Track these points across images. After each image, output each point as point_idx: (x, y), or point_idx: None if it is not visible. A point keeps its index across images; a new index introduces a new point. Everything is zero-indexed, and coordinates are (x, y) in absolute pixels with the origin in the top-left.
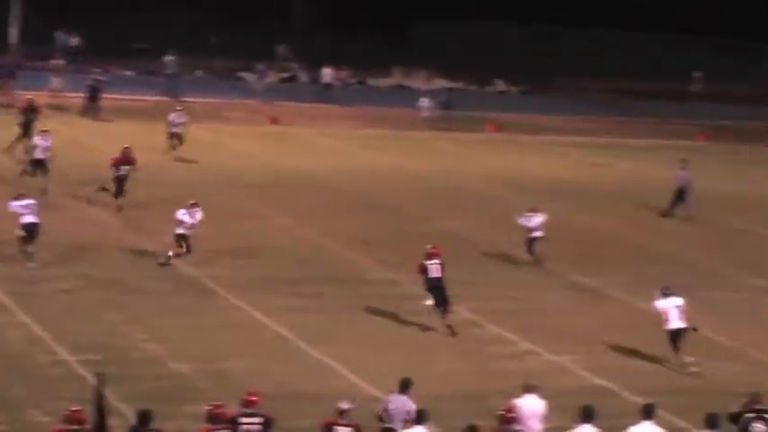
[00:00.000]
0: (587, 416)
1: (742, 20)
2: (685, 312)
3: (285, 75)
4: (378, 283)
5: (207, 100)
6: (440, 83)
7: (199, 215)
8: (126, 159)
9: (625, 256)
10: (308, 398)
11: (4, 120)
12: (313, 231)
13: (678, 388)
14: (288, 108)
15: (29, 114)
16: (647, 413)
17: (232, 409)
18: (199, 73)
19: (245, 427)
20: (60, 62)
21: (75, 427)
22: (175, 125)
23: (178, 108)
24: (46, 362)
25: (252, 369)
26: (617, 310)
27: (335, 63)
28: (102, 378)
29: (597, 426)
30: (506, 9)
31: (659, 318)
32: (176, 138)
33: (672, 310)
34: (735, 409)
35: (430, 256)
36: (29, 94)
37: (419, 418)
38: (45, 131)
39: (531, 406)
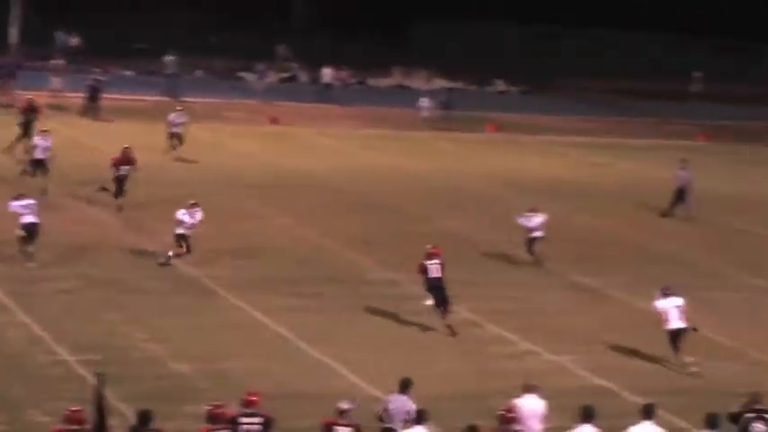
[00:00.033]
0: (587, 416)
1: (742, 20)
2: (685, 312)
3: (285, 75)
4: (378, 283)
5: (207, 100)
6: (440, 83)
7: (199, 215)
8: (126, 159)
9: (625, 256)
10: (308, 398)
11: (4, 120)
12: (313, 231)
13: (678, 388)
14: (288, 108)
15: (29, 114)
16: (647, 413)
17: (232, 409)
18: (199, 73)
19: (245, 427)
20: (60, 62)
21: (75, 427)
22: (175, 125)
23: (178, 108)
24: (46, 362)
25: (252, 369)
26: (617, 310)
27: (335, 63)
28: (102, 378)
29: (597, 426)
30: (506, 9)
31: (659, 318)
32: (176, 138)
33: (672, 310)
34: (735, 409)
35: (430, 256)
36: (29, 94)
37: (419, 418)
38: (45, 131)
39: (531, 406)
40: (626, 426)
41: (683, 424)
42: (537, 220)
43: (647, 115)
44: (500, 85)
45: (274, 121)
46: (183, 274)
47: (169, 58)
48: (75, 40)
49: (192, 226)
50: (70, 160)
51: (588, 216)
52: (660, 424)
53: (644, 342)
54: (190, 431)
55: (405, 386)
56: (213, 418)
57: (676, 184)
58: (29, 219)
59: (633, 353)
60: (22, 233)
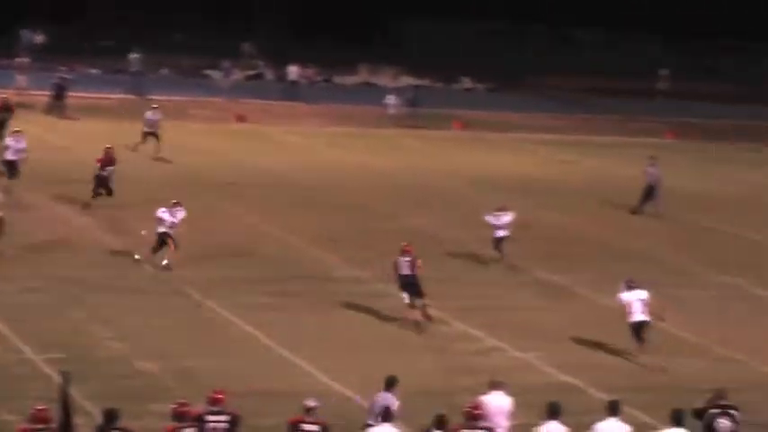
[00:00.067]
0: (554, 412)
1: (719, 18)
2: (649, 306)
3: (251, 72)
4: (344, 281)
5: (173, 98)
6: (406, 80)
7: (180, 214)
8: (110, 159)
9: (592, 254)
10: (275, 396)
11: None
12: (279, 229)
13: (643, 384)
14: (254, 106)
15: (3, 113)
16: (613, 410)
17: (198, 407)
18: (164, 71)
19: (211, 425)
20: (25, 60)
21: (40, 425)
22: (151, 124)
23: (153, 106)
24: (11, 361)
25: (218, 367)
26: (584, 307)
27: (301, 60)
28: (67, 376)
29: (563, 422)
30: (472, 6)
31: (623, 310)
32: (154, 137)
33: (636, 302)
34: (700, 405)
35: (402, 253)
36: (3, 93)
37: (386, 416)
38: (18, 132)
39: (497, 403)
40: (592, 422)
41: (648, 420)
42: (505, 218)
43: (614, 113)
44: (466, 83)
45: (241, 119)
46: (149, 273)
47: (134, 56)
48: (40, 38)
49: (173, 225)
50: (36, 158)
51: (555, 213)
52: (626, 420)
53: (610, 339)
54: (156, 430)
55: (389, 384)
56: (178, 416)
57: (646, 180)
58: None
59: (599, 350)
60: None
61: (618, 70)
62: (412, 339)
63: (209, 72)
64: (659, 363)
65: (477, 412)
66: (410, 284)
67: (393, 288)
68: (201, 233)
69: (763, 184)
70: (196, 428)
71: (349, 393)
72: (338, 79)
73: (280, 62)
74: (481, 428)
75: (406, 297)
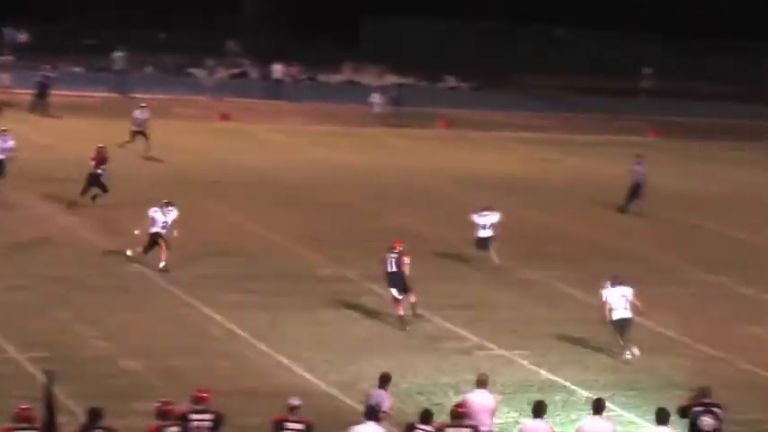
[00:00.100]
0: (538, 410)
1: (697, 17)
2: (632, 303)
3: (235, 71)
4: (328, 280)
5: (157, 96)
6: (390, 79)
7: (173, 214)
8: (103, 158)
9: (575, 252)
10: (259, 395)
11: None
12: (263, 228)
13: (628, 382)
14: (238, 104)
15: None
16: (597, 408)
17: (182, 405)
18: (149, 69)
19: (195, 423)
20: (9, 58)
21: (24, 425)
22: (139, 123)
23: (142, 105)
24: None
25: (202, 366)
26: (567, 305)
27: (286, 59)
28: (51, 376)
29: (547, 420)
30: (456, 5)
31: (606, 307)
32: (142, 136)
33: (619, 299)
34: (684, 403)
35: (390, 249)
36: None
37: (370, 414)
38: (5, 131)
39: (481, 401)
40: (576, 420)
41: (632, 418)
42: (490, 218)
43: (597, 111)
44: (451, 82)
45: (224, 117)
46: (133, 272)
47: (118, 55)
48: (23, 36)
49: (166, 224)
50: (20, 157)
51: (539, 212)
52: (610, 418)
53: (594, 337)
54: (140, 429)
55: (383, 380)
56: (162, 414)
57: (632, 179)
58: None
59: (583, 348)
60: None
61: (602, 69)
62: (396, 338)
63: (193, 70)
64: (628, 353)
65: (461, 410)
66: (393, 280)
67: (377, 286)
68: (186, 232)
69: (748, 183)
70: (180, 427)
71: (333, 392)
72: (322, 78)
73: (264, 60)
74: (466, 426)
75: (394, 291)
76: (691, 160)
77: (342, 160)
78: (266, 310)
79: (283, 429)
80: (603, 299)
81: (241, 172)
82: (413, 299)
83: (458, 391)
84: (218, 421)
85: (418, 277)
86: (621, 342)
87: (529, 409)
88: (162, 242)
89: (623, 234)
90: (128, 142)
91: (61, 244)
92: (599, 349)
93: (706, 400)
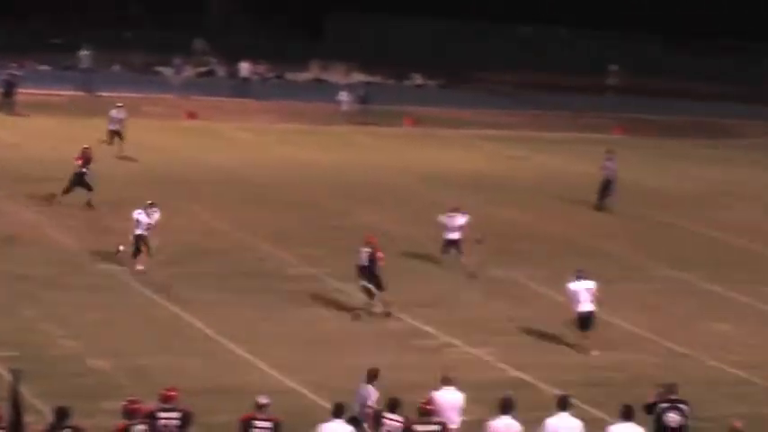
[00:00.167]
0: (506, 407)
1: (668, 14)
2: (596, 296)
3: (202, 69)
4: (296, 278)
5: (124, 95)
6: (357, 77)
7: (156, 215)
8: (88, 158)
9: (544, 250)
10: (227, 393)
11: None
12: (231, 226)
13: (594, 380)
14: (205, 103)
15: None
16: (563, 405)
17: (150, 404)
18: (116, 68)
19: (162, 421)
20: None
21: None
22: (115, 122)
23: (118, 104)
24: None
25: (171, 365)
26: (535, 303)
27: (253, 57)
28: (17, 374)
29: (515, 417)
30: (422, 3)
31: (571, 300)
32: (117, 135)
33: (583, 292)
34: (650, 399)
35: (365, 243)
36: None
37: (337, 411)
38: None
39: (449, 398)
40: (543, 417)
41: (598, 415)
42: (459, 220)
43: (563, 108)
44: (417, 79)
45: (192, 115)
46: (102, 270)
47: (84, 53)
48: None
49: (149, 226)
50: None
51: (507, 209)
52: (576, 415)
53: (562, 335)
54: (108, 428)
55: (371, 376)
56: (129, 413)
57: (603, 175)
58: None
59: (551, 345)
60: None
61: (564, 66)
62: (365, 336)
63: (160, 69)
64: (588, 346)
65: (429, 407)
66: (365, 274)
67: (346, 284)
68: (158, 230)
69: (720, 181)
70: (147, 425)
71: (302, 390)
72: (290, 76)
73: (231, 59)
74: (435, 423)
75: (365, 283)
76: (661, 157)
77: (309, 158)
78: (235, 308)
79: (251, 428)
80: (569, 292)
81: (208, 170)
82: (388, 298)
83: (426, 389)
84: (185, 420)
85: (386, 275)
86: (585, 337)
87: (496, 406)
88: (144, 246)
89: (593, 231)
90: (105, 142)
91: (29, 242)
92: (566, 347)
93: (672, 397)
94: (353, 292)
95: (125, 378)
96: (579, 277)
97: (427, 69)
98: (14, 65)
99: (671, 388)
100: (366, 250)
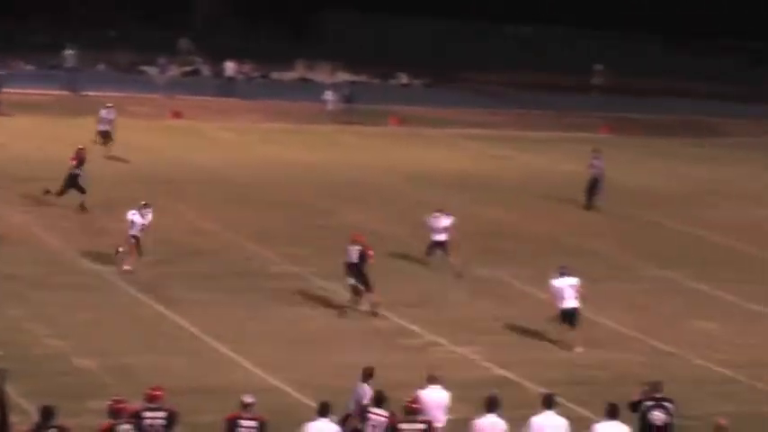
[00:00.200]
0: (491, 406)
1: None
2: (579, 293)
3: (188, 68)
4: (282, 277)
5: (109, 94)
6: (343, 76)
7: (150, 216)
8: (82, 159)
9: (529, 249)
10: (213, 392)
11: None
12: (216, 225)
13: (579, 378)
14: (191, 102)
15: None
16: (548, 403)
17: (136, 404)
18: (101, 67)
19: (148, 421)
20: None
21: None
22: (104, 122)
23: (108, 105)
24: None
25: (156, 364)
26: (520, 302)
27: (238, 56)
28: (3, 374)
29: (501, 416)
30: (408, 2)
31: (555, 297)
32: (106, 136)
33: (567, 289)
34: (635, 397)
35: (351, 242)
36: None
37: (322, 410)
38: None
39: (435, 397)
40: (528, 416)
41: (584, 413)
42: (443, 222)
43: (549, 108)
44: (403, 78)
45: (177, 115)
46: (87, 270)
47: (69, 53)
48: None
49: (144, 227)
50: None
51: (492, 209)
52: (561, 413)
53: (547, 333)
54: (93, 427)
55: (366, 375)
56: (114, 412)
57: (590, 174)
58: None
59: (536, 344)
60: None
61: (550, 65)
62: (350, 335)
63: (145, 68)
64: (571, 342)
65: (415, 406)
66: (356, 274)
67: (331, 283)
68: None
69: (707, 179)
70: (132, 425)
71: (287, 389)
72: (275, 75)
73: (217, 58)
74: (420, 422)
75: (351, 280)
76: (648, 156)
77: (294, 158)
78: (220, 307)
79: (237, 427)
80: (552, 289)
81: (194, 170)
82: (377, 299)
83: (411, 388)
84: (171, 419)
85: (372, 274)
86: (569, 331)
87: (482, 405)
88: (134, 247)
89: (578, 230)
90: (96, 142)
91: (16, 242)
92: (551, 345)
93: (657, 395)
94: (339, 290)
95: (111, 377)
96: (563, 274)
97: (413, 68)
98: None
99: (656, 386)
100: (356, 248)
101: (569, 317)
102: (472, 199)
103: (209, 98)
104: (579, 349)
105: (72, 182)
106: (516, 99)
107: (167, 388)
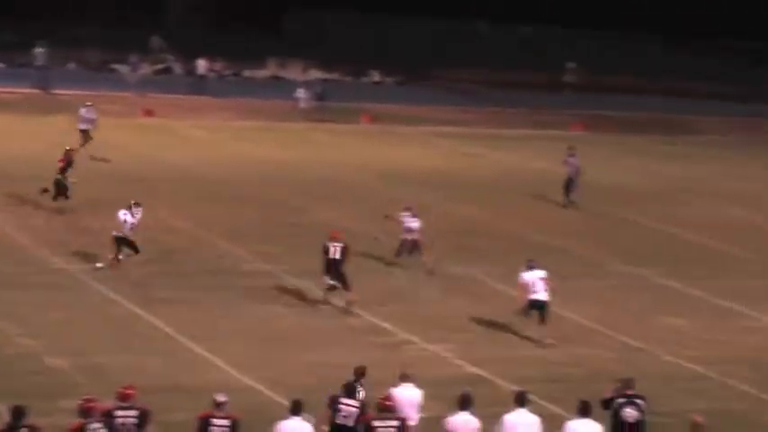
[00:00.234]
0: (464, 403)
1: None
2: (549, 285)
3: (159, 66)
4: (254, 275)
5: (80, 92)
6: (315, 74)
7: (140, 214)
8: (70, 161)
9: (502, 247)
10: (185, 391)
11: None
12: (188, 223)
13: (551, 375)
14: (162, 100)
15: None
16: (521, 401)
17: (108, 403)
18: (71, 65)
19: (119, 420)
20: None
21: None
22: (85, 121)
23: (87, 104)
24: None
25: (128, 363)
26: (493, 300)
27: (210, 54)
28: None
29: (473, 413)
30: (379, 0)
31: (525, 290)
32: (86, 135)
33: (537, 282)
34: (607, 395)
35: (332, 238)
36: None
37: (295, 408)
38: None
39: (407, 395)
40: (501, 413)
41: (556, 410)
42: (413, 223)
43: (521, 105)
44: (375, 76)
45: (149, 113)
46: (58, 269)
47: (39, 51)
48: None
49: (133, 225)
50: None
51: (464, 206)
52: (533, 411)
53: (519, 331)
54: (65, 426)
55: (357, 374)
56: (85, 412)
57: (567, 171)
58: None
59: (507, 341)
60: None
61: (523, 63)
62: (323, 333)
63: (116, 66)
64: (547, 338)
65: (388, 404)
66: (335, 272)
67: (303, 281)
68: (111, 228)
69: (680, 177)
70: (103, 424)
71: (259, 387)
72: (247, 73)
73: (188, 56)
74: (395, 419)
75: (327, 279)
76: (621, 154)
77: (266, 156)
78: (193, 305)
79: (209, 426)
80: (522, 282)
81: (165, 168)
82: (353, 297)
83: (384, 386)
84: (143, 418)
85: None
86: (540, 327)
87: (454, 403)
88: (121, 246)
89: (551, 228)
90: (81, 144)
91: None
92: (524, 343)
93: (629, 392)
94: (311, 288)
95: (83, 377)
96: (531, 267)
97: (385, 66)
98: None
99: (628, 383)
100: (337, 245)
101: (539, 309)
102: (445, 197)
103: (180, 96)
104: (550, 340)
105: (62, 190)
106: (488, 97)
107: (140, 387)
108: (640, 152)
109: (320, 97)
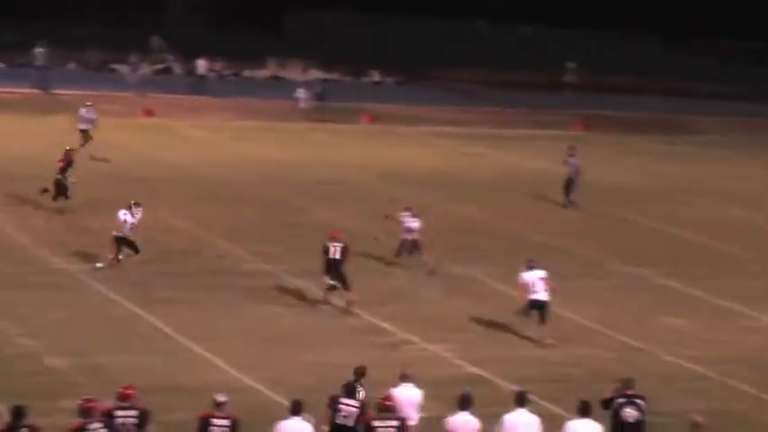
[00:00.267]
0: (464, 403)
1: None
2: (549, 285)
3: (159, 66)
4: (254, 275)
5: (80, 92)
6: (315, 74)
7: (140, 214)
8: (70, 161)
9: (502, 246)
10: (185, 391)
11: None
12: (188, 223)
13: (552, 375)
14: (162, 100)
15: None
16: (521, 401)
17: (108, 403)
18: (72, 65)
19: (120, 420)
20: None
21: None
22: (85, 121)
23: (87, 104)
24: None
25: (128, 363)
26: (493, 300)
27: (210, 54)
28: None
29: (473, 413)
30: (380, 0)
31: (525, 289)
32: (85, 135)
33: (537, 282)
34: (607, 395)
35: (332, 238)
36: None
37: (295, 408)
38: None
39: (407, 395)
40: (501, 413)
41: (556, 411)
42: (413, 223)
43: (521, 105)
44: (375, 76)
45: (148, 113)
46: (58, 269)
47: (39, 51)
48: None
49: (134, 226)
50: None
51: (464, 206)
52: (534, 411)
53: (518, 330)
54: (65, 426)
55: (358, 374)
56: (85, 412)
57: (567, 171)
58: None
59: (508, 341)
60: None
61: (524, 63)
62: (322, 333)
63: (116, 66)
64: (547, 337)
65: (388, 404)
66: (335, 272)
67: (303, 281)
68: (111, 228)
69: (680, 177)
70: (103, 424)
71: (259, 387)
72: (247, 73)
73: (188, 56)
74: (395, 419)
75: (327, 279)
76: (621, 154)
77: (266, 156)
78: (193, 305)
79: (209, 426)
80: (523, 282)
81: (165, 168)
82: (353, 297)
83: (384, 386)
84: (143, 418)
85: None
86: (540, 327)
87: (454, 403)
88: (121, 246)
89: (551, 228)
90: (82, 145)
91: None
92: (524, 343)
93: (629, 392)
94: (311, 288)
95: (83, 377)
96: (531, 267)
97: (385, 66)
98: None
99: (628, 383)
100: (337, 245)
101: (539, 309)
102: (445, 197)
103: (180, 96)
104: (550, 340)
105: (62, 190)
106: (489, 97)
107: (140, 387)
108: (640, 152)
109: (320, 97)
